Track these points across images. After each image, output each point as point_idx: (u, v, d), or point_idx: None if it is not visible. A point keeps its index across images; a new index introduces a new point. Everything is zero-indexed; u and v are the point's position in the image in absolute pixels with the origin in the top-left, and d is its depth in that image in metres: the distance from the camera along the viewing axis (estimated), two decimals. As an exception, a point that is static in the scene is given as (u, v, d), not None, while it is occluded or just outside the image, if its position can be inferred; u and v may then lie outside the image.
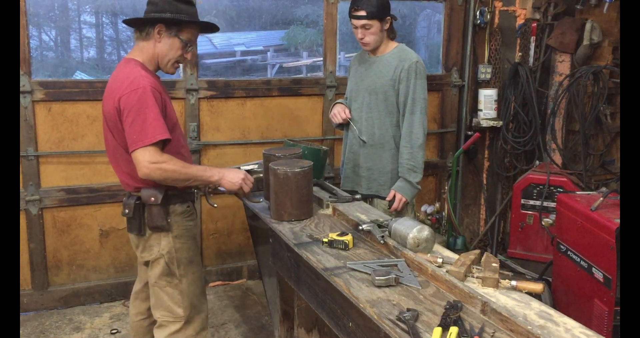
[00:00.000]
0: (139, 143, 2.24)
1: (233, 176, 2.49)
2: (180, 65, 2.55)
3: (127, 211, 2.44)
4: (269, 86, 4.13)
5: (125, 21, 2.49)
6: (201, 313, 2.56)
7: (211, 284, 4.16)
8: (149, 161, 2.24)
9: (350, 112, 3.20)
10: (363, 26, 3.01)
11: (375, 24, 3.01)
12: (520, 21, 4.67)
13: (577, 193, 3.55)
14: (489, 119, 4.63)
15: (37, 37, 3.76)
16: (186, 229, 2.50)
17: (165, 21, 2.38)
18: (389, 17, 3.06)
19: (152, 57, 2.44)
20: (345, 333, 1.91)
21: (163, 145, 2.31)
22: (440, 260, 1.99)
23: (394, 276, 1.89)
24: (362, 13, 2.98)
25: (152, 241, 2.45)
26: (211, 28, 2.60)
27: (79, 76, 3.89)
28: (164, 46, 2.42)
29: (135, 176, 2.39)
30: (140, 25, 2.44)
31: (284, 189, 2.51)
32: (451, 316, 1.64)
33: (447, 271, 1.90)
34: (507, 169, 4.82)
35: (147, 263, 2.52)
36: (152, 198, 2.38)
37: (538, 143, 4.60)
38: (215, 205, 2.65)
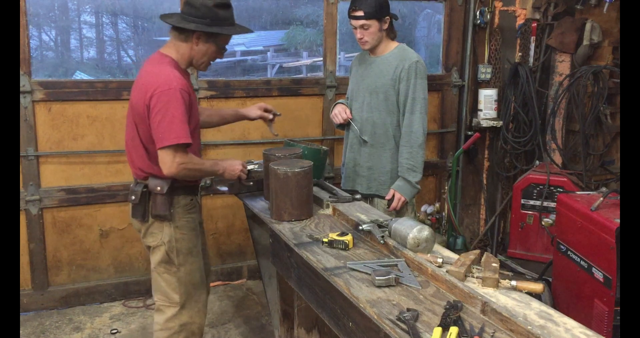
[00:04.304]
0: (165, 141, 2.35)
1: (232, 169, 2.63)
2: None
3: (133, 197, 2.53)
4: (269, 86, 4.13)
5: (166, 21, 2.55)
6: (198, 303, 2.64)
7: (211, 284, 4.14)
8: (178, 162, 2.37)
9: (351, 112, 3.21)
10: (361, 26, 3.02)
11: (373, 24, 3.01)
12: (520, 21, 4.67)
13: (577, 193, 3.55)
14: (489, 119, 4.64)
15: (37, 37, 3.76)
16: (187, 221, 2.59)
17: (205, 30, 2.46)
18: (387, 17, 3.06)
19: (187, 58, 2.54)
20: (345, 333, 1.91)
21: (188, 145, 2.43)
22: (440, 260, 1.99)
23: (394, 276, 1.89)
24: (360, 13, 2.99)
25: (154, 228, 2.55)
26: (244, 30, 2.68)
27: (79, 76, 3.89)
28: (201, 50, 2.52)
29: (143, 168, 2.51)
30: (181, 28, 2.49)
31: (284, 189, 2.51)
32: (451, 316, 1.64)
33: (447, 271, 1.90)
34: (507, 169, 4.82)
35: (149, 248, 2.62)
36: (159, 188, 2.49)
37: (538, 143, 4.59)
38: (252, 183, 2.84)
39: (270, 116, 3.01)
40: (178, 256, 2.55)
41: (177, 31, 2.51)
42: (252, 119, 3.05)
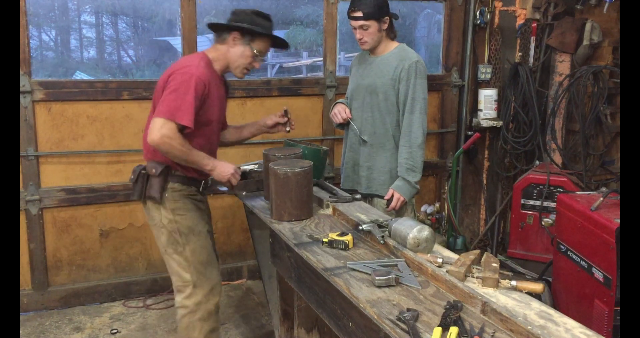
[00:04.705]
0: (163, 113, 2.46)
1: (223, 170, 2.64)
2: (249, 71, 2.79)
3: (132, 177, 2.70)
4: (269, 86, 4.13)
5: (208, 25, 2.77)
6: (210, 281, 2.73)
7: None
8: (164, 134, 2.45)
9: (350, 111, 3.21)
10: (361, 27, 3.02)
11: (372, 25, 3.01)
12: (520, 21, 4.67)
13: (577, 193, 3.54)
14: (489, 119, 4.64)
15: (37, 37, 3.76)
16: (184, 203, 2.69)
17: (241, 30, 2.65)
18: (387, 18, 3.06)
19: (223, 59, 2.70)
20: (346, 333, 1.91)
21: (184, 128, 2.51)
22: (440, 260, 1.99)
23: (394, 276, 1.89)
24: (359, 14, 2.99)
25: (152, 211, 2.69)
26: (282, 45, 2.88)
27: (79, 76, 3.89)
28: (236, 51, 2.68)
29: (149, 148, 2.62)
30: (219, 30, 2.71)
31: (284, 189, 2.51)
32: (451, 316, 1.64)
33: (447, 272, 1.90)
34: (507, 169, 4.82)
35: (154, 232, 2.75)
36: (153, 170, 2.63)
37: (538, 143, 4.59)
38: (245, 193, 2.89)
39: (285, 119, 3.02)
40: (181, 236, 2.67)
41: (216, 34, 2.72)
42: (270, 127, 3.04)
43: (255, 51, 2.68)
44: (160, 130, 2.45)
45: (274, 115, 3.03)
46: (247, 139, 3.13)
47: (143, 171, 2.67)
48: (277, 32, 2.84)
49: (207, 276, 2.72)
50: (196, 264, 2.69)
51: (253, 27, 2.65)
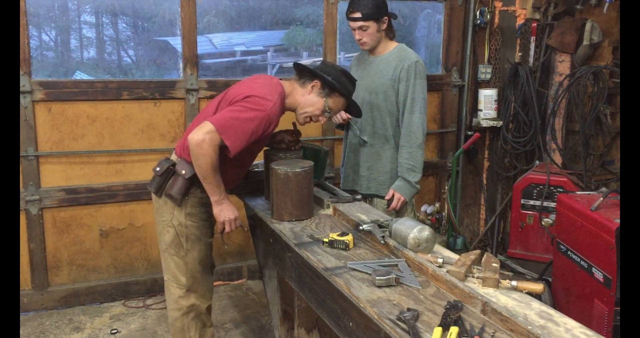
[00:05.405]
0: (217, 123, 2.39)
1: (227, 211, 2.60)
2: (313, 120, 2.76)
3: (158, 169, 2.63)
4: (269, 86, 4.13)
5: (294, 65, 2.72)
6: (204, 286, 2.75)
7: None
8: (205, 139, 2.37)
9: (350, 112, 3.21)
10: (360, 28, 3.03)
11: (371, 25, 3.02)
12: (520, 21, 4.67)
13: (577, 193, 3.55)
14: (489, 119, 4.64)
15: (37, 37, 3.76)
16: (200, 211, 2.67)
17: (324, 81, 2.62)
18: (385, 18, 3.06)
19: (294, 100, 2.65)
20: (346, 333, 1.91)
21: (224, 148, 2.44)
22: (440, 260, 1.99)
23: (395, 276, 1.89)
24: (358, 15, 2.99)
25: (167, 208, 2.64)
26: (356, 112, 2.88)
27: (79, 76, 3.89)
28: (310, 99, 2.65)
29: (184, 146, 2.56)
30: (303, 72, 2.67)
31: (285, 190, 2.51)
32: (451, 316, 1.64)
33: (447, 272, 1.90)
34: (507, 169, 4.82)
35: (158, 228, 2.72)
36: (184, 171, 2.57)
37: (538, 143, 4.60)
38: (227, 246, 2.83)
39: (296, 138, 2.97)
40: (187, 242, 2.65)
41: (298, 75, 2.68)
42: (277, 142, 2.97)
43: (327, 106, 2.65)
44: (205, 134, 2.38)
45: (286, 134, 2.95)
46: None
47: (172, 167, 2.61)
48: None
49: (201, 282, 2.73)
50: (194, 271, 2.69)
51: (336, 83, 2.62)
